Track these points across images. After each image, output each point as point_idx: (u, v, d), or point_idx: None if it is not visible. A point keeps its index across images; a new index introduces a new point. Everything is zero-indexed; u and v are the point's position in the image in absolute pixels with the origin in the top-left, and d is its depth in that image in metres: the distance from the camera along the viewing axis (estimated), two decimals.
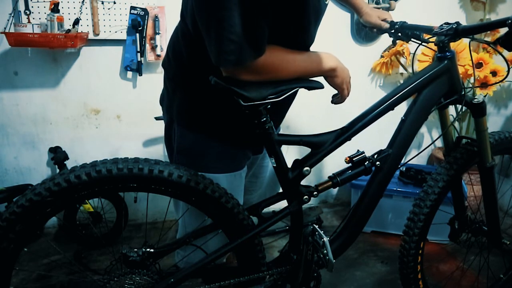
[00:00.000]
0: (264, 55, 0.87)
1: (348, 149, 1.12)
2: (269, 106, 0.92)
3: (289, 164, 1.04)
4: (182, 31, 1.00)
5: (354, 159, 1.06)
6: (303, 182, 1.05)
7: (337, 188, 1.71)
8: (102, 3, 1.89)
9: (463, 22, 1.04)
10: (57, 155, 1.95)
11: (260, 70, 0.89)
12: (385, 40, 2.30)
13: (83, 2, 1.85)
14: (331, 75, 1.03)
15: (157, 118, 1.90)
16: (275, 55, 0.91)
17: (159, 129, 1.16)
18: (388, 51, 2.22)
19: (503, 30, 0.94)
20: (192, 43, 0.96)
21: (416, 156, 1.23)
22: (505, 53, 1.11)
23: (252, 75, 0.89)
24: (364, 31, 2.25)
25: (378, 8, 2.15)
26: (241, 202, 1.13)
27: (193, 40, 0.94)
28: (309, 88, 0.96)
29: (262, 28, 0.84)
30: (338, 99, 1.11)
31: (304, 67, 0.97)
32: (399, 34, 1.26)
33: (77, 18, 1.84)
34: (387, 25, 1.30)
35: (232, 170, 1.08)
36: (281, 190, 1.08)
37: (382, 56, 2.30)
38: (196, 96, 1.01)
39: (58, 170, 1.98)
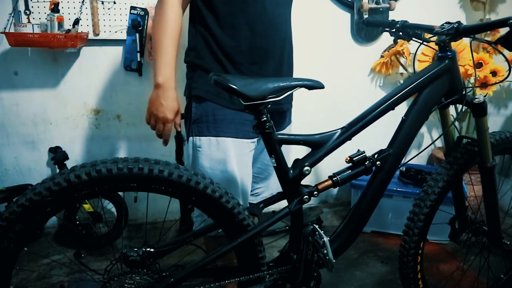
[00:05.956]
0: (164, 3, 1.06)
1: (348, 148, 1.12)
2: (269, 105, 0.92)
3: (290, 164, 1.03)
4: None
5: (354, 158, 1.06)
6: (303, 182, 1.05)
7: (337, 188, 1.71)
8: (102, 3, 1.88)
9: (463, 22, 1.04)
10: (57, 155, 1.95)
11: (157, 10, 1.09)
12: (385, 40, 2.30)
13: (83, 2, 1.85)
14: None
15: None
16: (163, 12, 1.06)
17: None
18: (388, 51, 2.22)
19: (503, 30, 0.94)
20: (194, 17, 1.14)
21: (416, 156, 1.23)
22: (506, 52, 1.10)
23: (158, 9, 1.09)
24: (364, 31, 2.25)
25: (378, 8, 2.17)
26: (249, 174, 1.21)
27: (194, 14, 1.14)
28: (310, 88, 0.96)
29: None
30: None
31: (157, 51, 1.08)
32: (400, 33, 1.26)
33: (77, 18, 1.84)
34: None
35: (241, 136, 1.15)
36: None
37: (382, 56, 2.29)
38: (208, 71, 1.09)
39: (58, 170, 1.98)
